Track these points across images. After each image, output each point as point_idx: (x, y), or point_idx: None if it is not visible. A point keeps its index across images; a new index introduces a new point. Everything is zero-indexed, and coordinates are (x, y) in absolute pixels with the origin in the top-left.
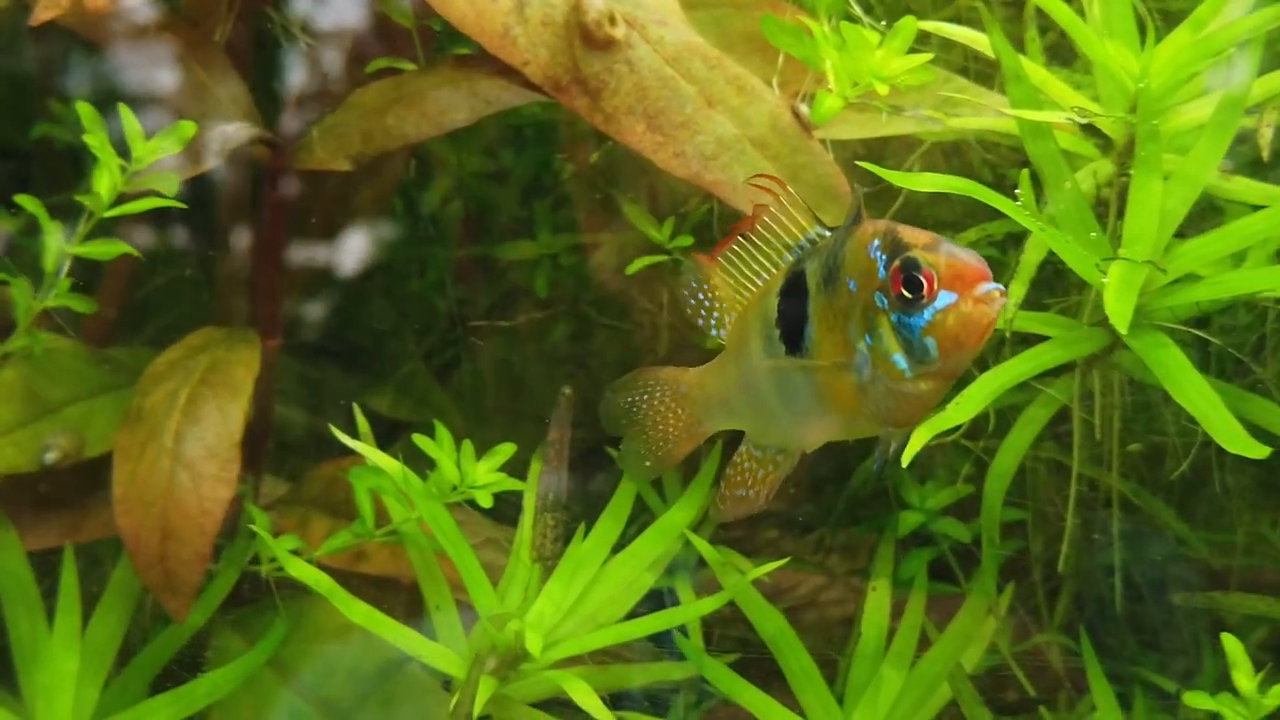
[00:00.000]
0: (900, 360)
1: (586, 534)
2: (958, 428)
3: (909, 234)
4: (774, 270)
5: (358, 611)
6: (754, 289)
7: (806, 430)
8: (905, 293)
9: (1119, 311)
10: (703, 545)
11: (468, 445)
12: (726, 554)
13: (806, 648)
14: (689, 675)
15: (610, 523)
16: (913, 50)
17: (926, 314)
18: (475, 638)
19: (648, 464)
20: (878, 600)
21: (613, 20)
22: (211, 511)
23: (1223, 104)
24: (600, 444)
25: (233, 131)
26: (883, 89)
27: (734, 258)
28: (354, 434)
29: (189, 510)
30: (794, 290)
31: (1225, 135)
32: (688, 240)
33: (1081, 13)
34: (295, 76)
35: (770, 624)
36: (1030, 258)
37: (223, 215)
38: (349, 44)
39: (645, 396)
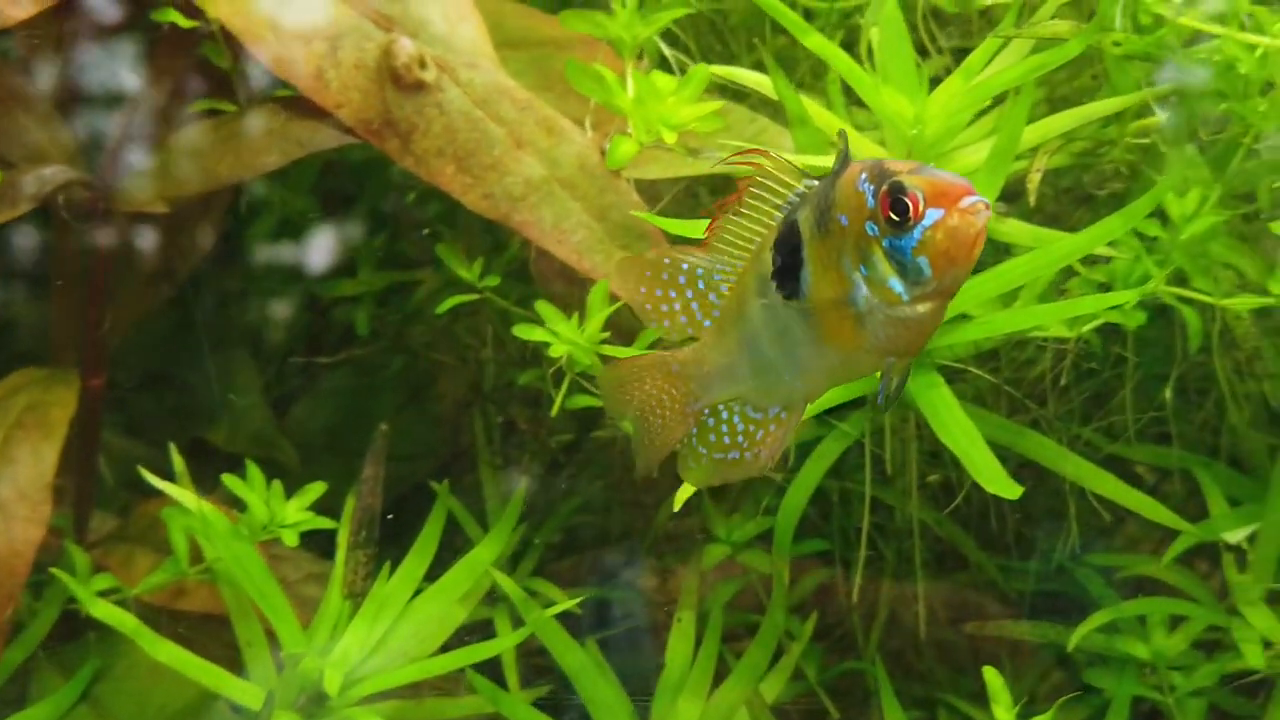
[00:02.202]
0: (896, 284)
1: (392, 571)
2: None
3: (894, 164)
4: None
5: (164, 651)
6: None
7: (812, 378)
8: (893, 216)
9: None
10: (505, 581)
11: (277, 485)
12: (541, 585)
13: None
14: None
15: (417, 559)
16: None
17: (916, 233)
18: (284, 676)
19: (652, 450)
20: (682, 631)
21: (423, 64)
22: (22, 553)
23: (994, 150)
24: (429, 477)
25: (50, 175)
26: (670, 136)
27: (727, 234)
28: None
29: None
30: (788, 241)
31: (997, 180)
32: (495, 280)
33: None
34: (118, 119)
35: (572, 658)
36: None
37: (47, 258)
38: (170, 86)
39: (637, 385)
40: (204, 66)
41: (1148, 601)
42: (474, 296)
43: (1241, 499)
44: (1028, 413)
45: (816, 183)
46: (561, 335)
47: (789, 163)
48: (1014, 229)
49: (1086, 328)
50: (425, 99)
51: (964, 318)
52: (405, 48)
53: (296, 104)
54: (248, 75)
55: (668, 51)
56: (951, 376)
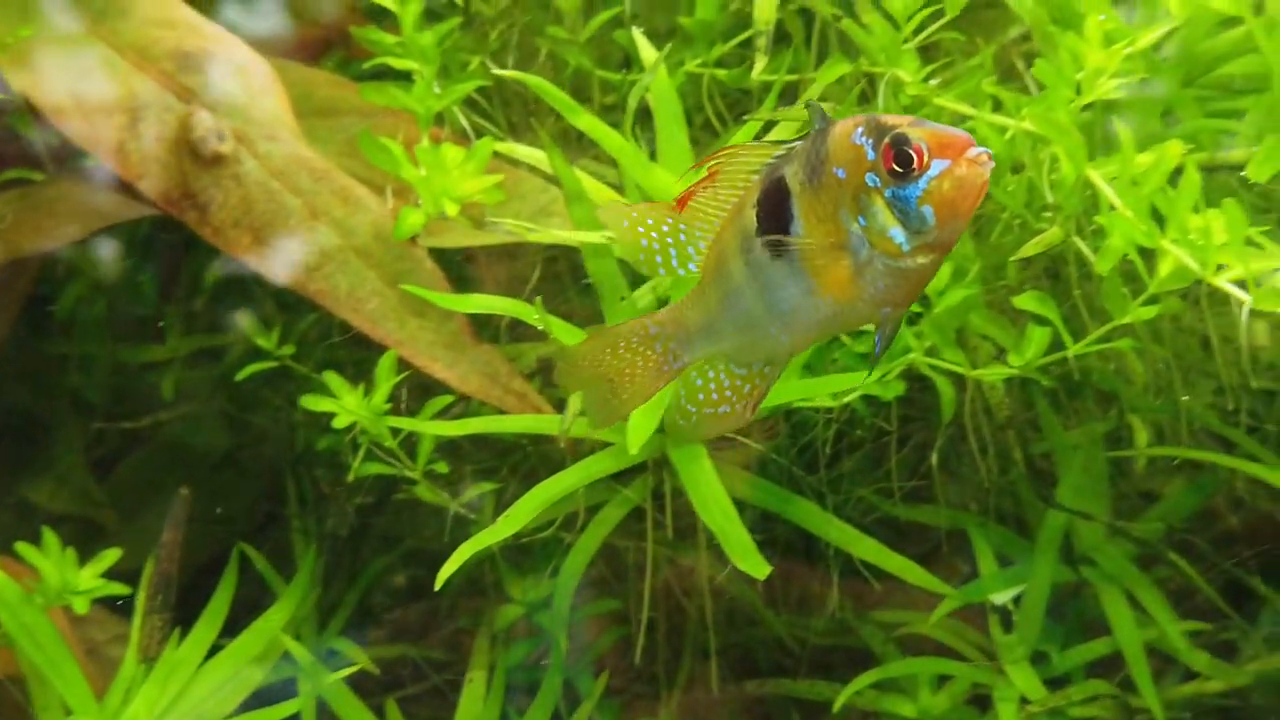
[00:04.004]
0: (898, 234)
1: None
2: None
3: (889, 118)
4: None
5: None
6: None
7: (800, 332)
8: (897, 167)
9: (639, 430)
10: (293, 645)
11: (70, 552)
12: (344, 644)
13: None
14: None
15: (209, 623)
16: None
17: (922, 183)
18: None
19: (612, 409)
20: (473, 692)
21: (220, 136)
22: None
23: None
24: (244, 538)
25: None
26: (452, 209)
27: (702, 198)
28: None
29: None
30: (774, 196)
31: None
32: (291, 349)
33: None
34: None
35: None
36: None
37: None
38: None
39: (609, 354)
40: (11, 137)
41: (914, 661)
42: (272, 364)
43: (1016, 558)
44: (808, 477)
45: (797, 144)
46: (347, 406)
47: (760, 144)
48: None
49: (849, 397)
50: (223, 171)
51: None
52: (203, 121)
53: (100, 175)
54: (53, 146)
55: (466, 121)
56: (724, 444)
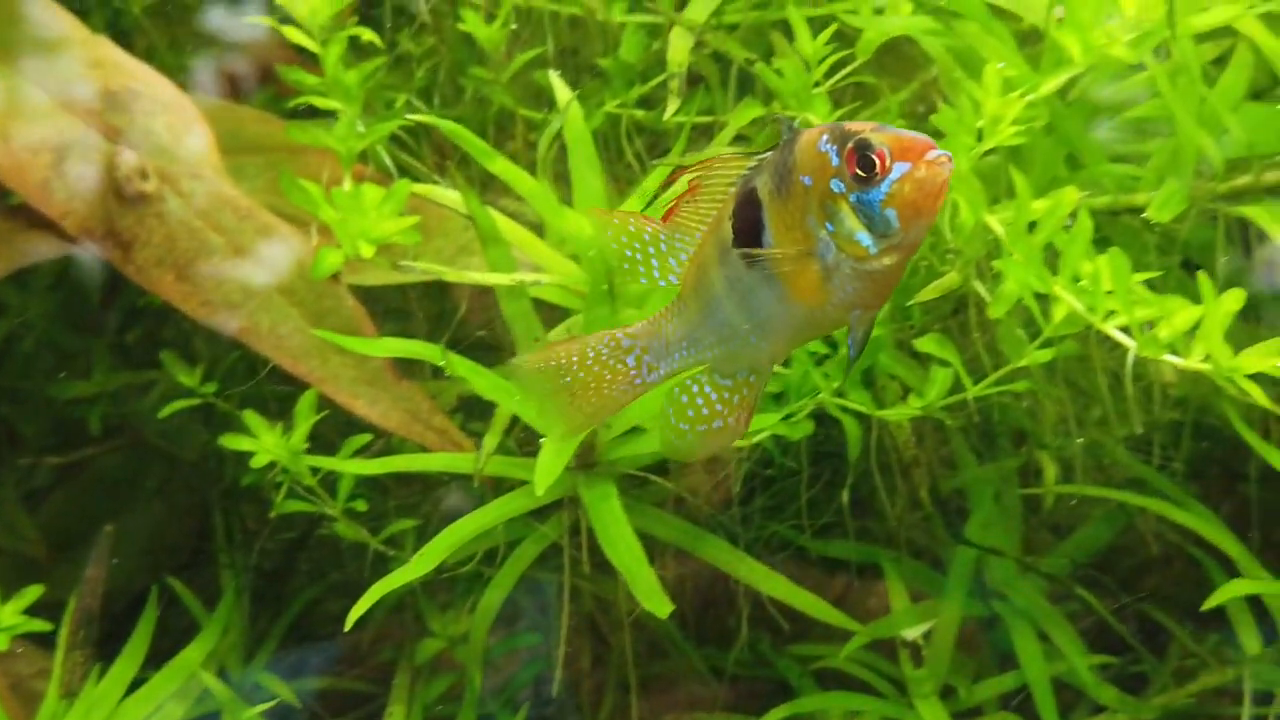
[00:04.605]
0: (864, 238)
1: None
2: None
3: (854, 125)
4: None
5: None
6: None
7: (777, 339)
8: (861, 172)
9: (546, 470)
10: (211, 681)
11: None
12: (268, 678)
13: None
14: None
15: (129, 659)
16: None
17: (884, 186)
18: None
19: (571, 422)
20: None
21: (144, 175)
22: None
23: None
24: (172, 572)
25: None
26: (368, 250)
27: (684, 212)
28: None
29: None
30: (747, 207)
31: (670, 295)
32: (212, 388)
33: None
34: None
35: None
36: (502, 412)
37: None
38: None
39: (575, 365)
40: None
41: (827, 695)
42: (195, 402)
43: (932, 592)
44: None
45: (768, 154)
46: (265, 445)
47: (737, 153)
48: None
49: (759, 437)
50: (146, 210)
51: (639, 430)
52: (128, 160)
53: (24, 212)
54: None
55: (391, 160)
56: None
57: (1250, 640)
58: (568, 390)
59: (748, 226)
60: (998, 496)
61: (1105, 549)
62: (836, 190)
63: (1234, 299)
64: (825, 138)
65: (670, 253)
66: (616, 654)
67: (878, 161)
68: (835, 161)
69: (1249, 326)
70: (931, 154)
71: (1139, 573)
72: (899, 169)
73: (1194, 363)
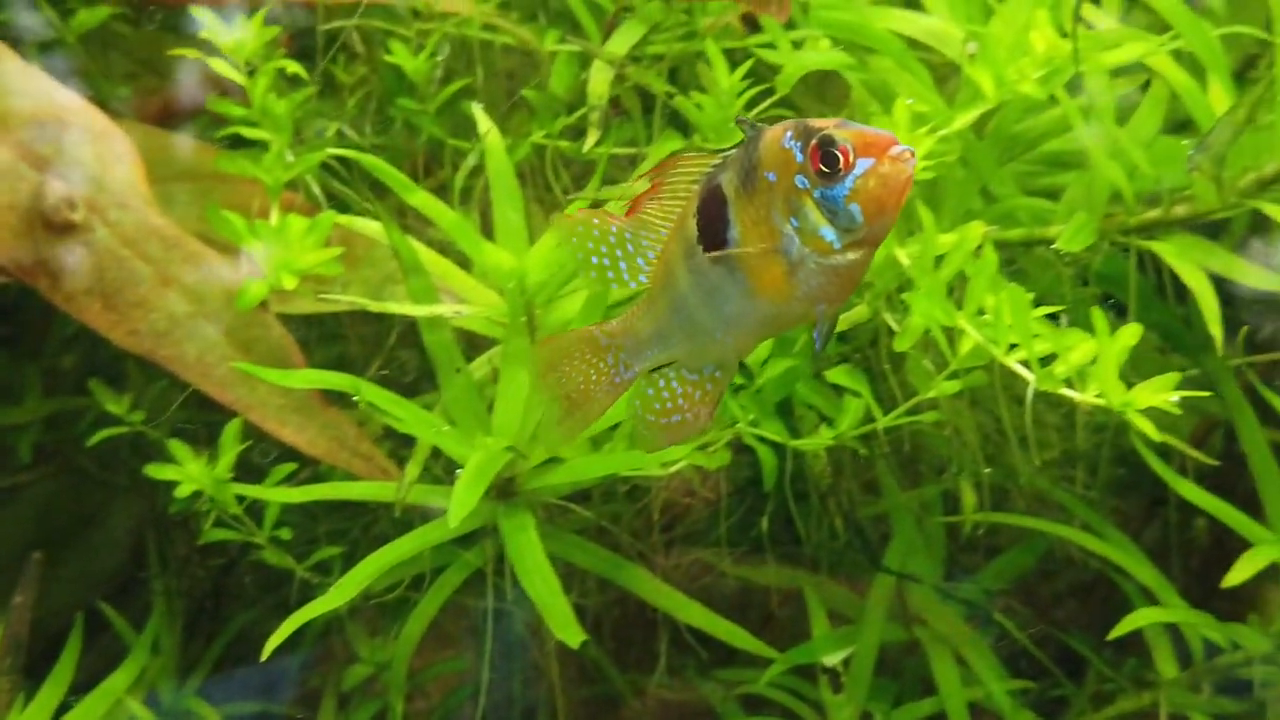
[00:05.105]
0: (828, 233)
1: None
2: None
3: (817, 122)
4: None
5: None
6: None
7: (743, 334)
8: (825, 168)
9: (461, 500)
10: (137, 707)
11: None
12: (197, 703)
13: None
14: None
15: (54, 686)
16: None
17: (848, 182)
18: None
19: (574, 424)
20: None
21: (71, 205)
22: None
23: (587, 300)
24: (106, 599)
25: None
26: (290, 281)
27: (650, 209)
28: None
29: None
30: (712, 204)
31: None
32: (139, 417)
33: None
34: None
35: None
36: (424, 441)
37: None
38: None
39: (566, 362)
40: None
41: None
42: (123, 430)
43: (854, 616)
44: (638, 544)
45: (731, 151)
46: (190, 474)
47: (700, 151)
48: None
49: (676, 466)
50: (74, 239)
51: (557, 461)
52: (55, 190)
53: None
54: None
55: (319, 188)
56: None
57: (1166, 665)
58: (564, 395)
59: (713, 223)
60: (919, 523)
61: (1026, 574)
62: (801, 186)
63: (1129, 334)
64: (789, 134)
65: (638, 251)
66: (546, 679)
67: (841, 157)
68: (799, 158)
69: (1161, 357)
70: (895, 149)
71: (1060, 598)
72: (862, 165)
73: (1089, 398)
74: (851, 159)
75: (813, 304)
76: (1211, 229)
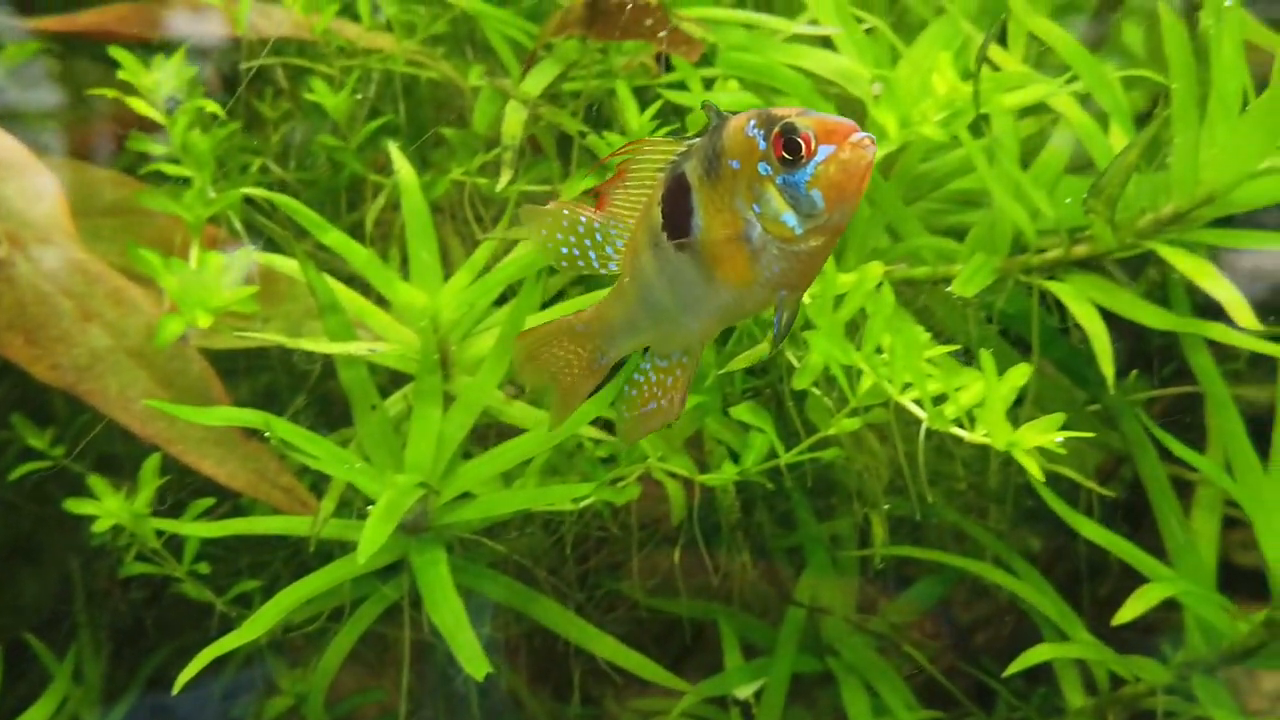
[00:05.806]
0: (790, 219)
1: None
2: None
3: (780, 110)
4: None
5: None
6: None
7: (707, 320)
8: (787, 155)
9: (370, 537)
10: None
11: None
12: None
13: None
14: None
15: None
16: None
17: (810, 168)
18: None
19: (565, 407)
20: None
21: None
22: None
23: (500, 336)
24: (33, 631)
25: None
26: (205, 320)
27: (617, 198)
28: None
29: None
30: (676, 191)
31: (503, 360)
32: (60, 452)
33: None
34: None
35: None
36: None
37: None
38: None
39: (547, 350)
40: None
41: None
42: (45, 465)
43: (767, 648)
44: (552, 577)
45: (695, 140)
46: (108, 509)
47: (665, 138)
48: (517, 411)
49: (585, 502)
50: None
51: (469, 496)
52: None
53: None
54: None
55: (239, 223)
56: (471, 546)
57: (1074, 694)
58: (551, 372)
59: (678, 211)
60: (832, 555)
61: (937, 604)
62: (763, 173)
63: (1019, 374)
64: (752, 122)
65: (606, 240)
66: (468, 710)
67: (803, 144)
68: (762, 145)
69: (1065, 391)
70: (855, 136)
71: (974, 627)
72: (824, 151)
73: (977, 437)
74: (813, 146)
75: (775, 290)
76: (1135, 265)
